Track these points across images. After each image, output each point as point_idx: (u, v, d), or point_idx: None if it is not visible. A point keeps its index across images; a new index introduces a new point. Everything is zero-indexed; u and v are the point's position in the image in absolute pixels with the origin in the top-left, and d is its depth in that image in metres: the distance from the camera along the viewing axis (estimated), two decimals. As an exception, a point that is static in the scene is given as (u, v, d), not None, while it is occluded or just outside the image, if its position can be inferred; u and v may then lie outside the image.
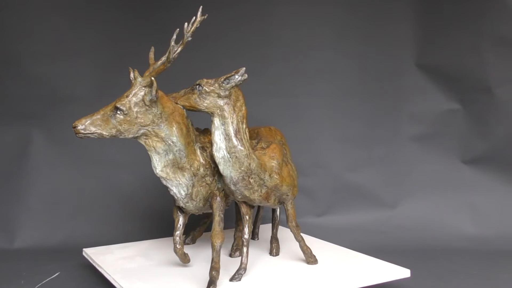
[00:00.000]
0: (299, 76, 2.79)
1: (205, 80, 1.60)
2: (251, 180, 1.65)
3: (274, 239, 2.06)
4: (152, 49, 1.73)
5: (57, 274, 2.12)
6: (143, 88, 1.57)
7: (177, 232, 1.83)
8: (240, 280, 1.73)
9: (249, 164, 1.61)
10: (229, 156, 1.59)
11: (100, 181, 2.74)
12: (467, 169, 2.75)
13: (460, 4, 2.65)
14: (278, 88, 2.79)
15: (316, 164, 2.78)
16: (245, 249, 1.79)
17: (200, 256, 2.01)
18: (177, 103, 1.64)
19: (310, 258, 1.90)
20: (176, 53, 1.69)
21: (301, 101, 2.79)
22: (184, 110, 1.67)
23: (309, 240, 2.25)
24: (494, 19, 2.58)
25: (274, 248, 2.04)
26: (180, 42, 1.71)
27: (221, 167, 1.61)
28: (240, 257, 1.78)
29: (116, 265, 1.95)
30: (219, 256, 1.70)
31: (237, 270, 1.75)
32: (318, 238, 2.28)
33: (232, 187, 1.65)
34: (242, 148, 1.59)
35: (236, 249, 2.04)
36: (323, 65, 2.79)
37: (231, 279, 1.73)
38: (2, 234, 2.60)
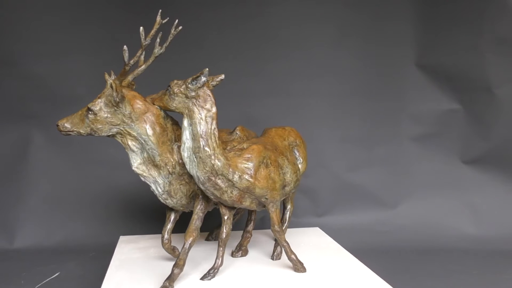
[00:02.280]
0: (299, 75, 2.79)
1: (175, 81, 1.63)
2: (218, 181, 1.65)
3: (277, 243, 1.99)
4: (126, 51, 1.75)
5: (57, 274, 2.12)
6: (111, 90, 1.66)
7: (166, 228, 1.89)
8: (210, 279, 1.75)
9: (213, 165, 1.61)
10: (194, 157, 1.61)
11: (100, 181, 2.74)
12: (467, 169, 2.75)
13: (460, 4, 2.65)
14: (278, 88, 2.78)
15: (316, 164, 2.78)
16: (220, 250, 1.79)
17: (200, 255, 2.01)
18: (154, 104, 1.70)
19: (296, 265, 1.82)
20: (137, 56, 1.74)
21: (301, 101, 2.79)
22: (162, 110, 1.72)
23: (311, 233, 2.27)
24: (494, 19, 2.58)
25: (275, 252, 1.99)
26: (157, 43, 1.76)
27: (187, 167, 1.64)
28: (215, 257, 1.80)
29: (126, 254, 2.02)
30: (186, 253, 1.72)
31: (209, 270, 1.77)
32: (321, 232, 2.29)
33: (202, 187, 1.67)
34: (207, 149, 1.60)
35: (239, 249, 2.03)
36: (323, 65, 2.78)
37: (202, 278, 1.75)
38: (2, 234, 2.60)
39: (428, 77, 2.77)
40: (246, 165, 1.69)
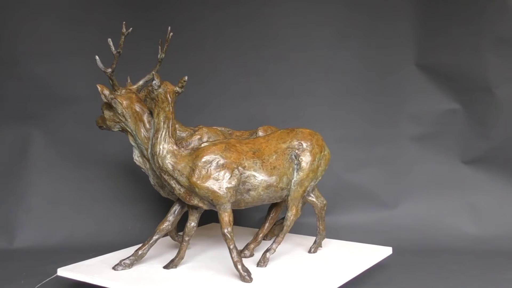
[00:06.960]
0: (299, 75, 2.79)
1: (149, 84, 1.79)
2: (166, 177, 1.76)
3: (267, 250, 1.90)
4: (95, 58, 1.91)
5: (57, 274, 2.12)
6: None
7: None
8: (169, 269, 1.84)
9: (159, 162, 1.73)
10: (152, 154, 1.75)
11: (100, 181, 2.74)
12: (467, 169, 2.75)
13: (460, 4, 2.65)
14: (278, 88, 2.78)
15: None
16: (183, 244, 1.85)
17: (199, 257, 2.02)
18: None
19: (239, 273, 1.72)
20: (114, 64, 1.92)
21: (301, 101, 2.79)
22: None
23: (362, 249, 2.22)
24: (494, 19, 2.58)
25: (261, 258, 1.89)
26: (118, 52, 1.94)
27: (151, 162, 1.80)
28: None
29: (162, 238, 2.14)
30: (151, 240, 1.86)
31: (170, 261, 1.86)
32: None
33: (163, 181, 1.81)
34: (156, 147, 1.73)
35: (244, 248, 2.03)
36: (323, 65, 2.78)
37: (165, 267, 1.86)
38: (2, 234, 2.60)
39: (428, 77, 2.76)
40: (190, 165, 1.73)
